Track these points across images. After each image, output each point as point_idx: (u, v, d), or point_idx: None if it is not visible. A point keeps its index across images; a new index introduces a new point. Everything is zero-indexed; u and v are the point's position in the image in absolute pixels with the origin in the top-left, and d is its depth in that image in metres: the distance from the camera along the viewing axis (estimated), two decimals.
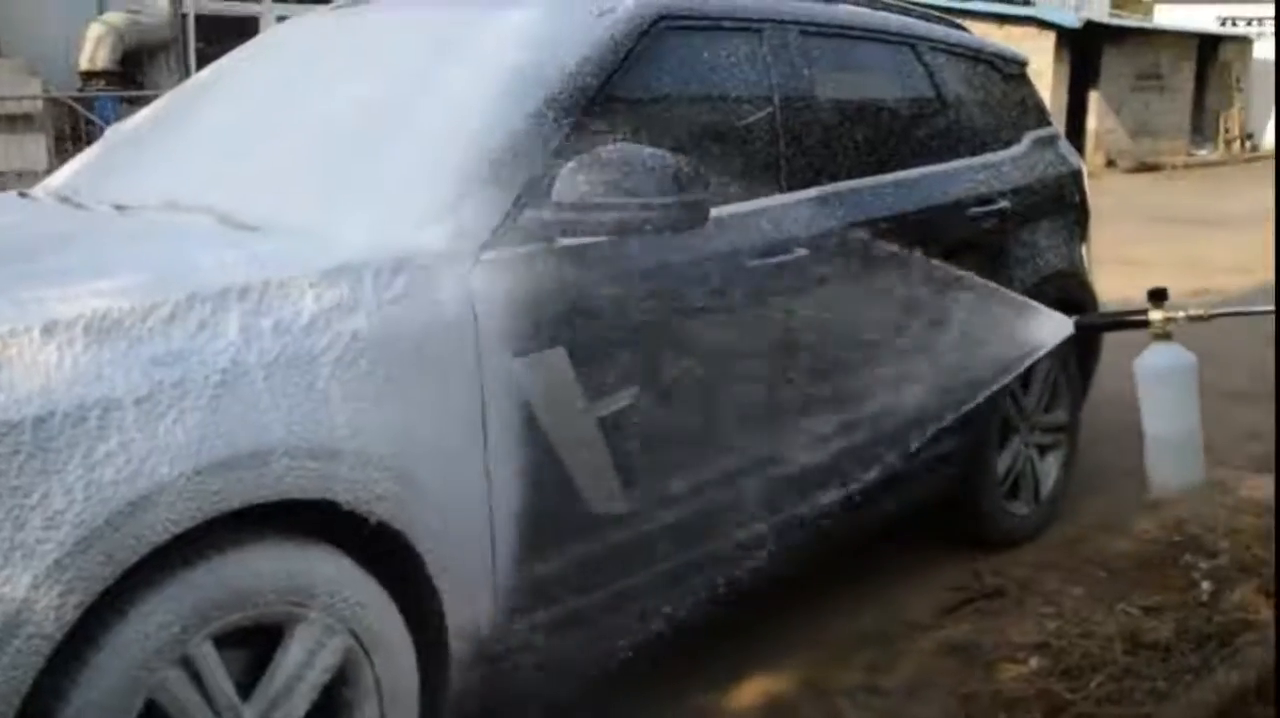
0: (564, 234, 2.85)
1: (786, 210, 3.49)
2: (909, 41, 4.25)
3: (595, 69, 3.12)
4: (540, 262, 2.83)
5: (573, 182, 2.83)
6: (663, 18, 3.33)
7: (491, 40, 3.27)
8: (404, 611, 2.61)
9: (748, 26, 3.60)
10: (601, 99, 3.10)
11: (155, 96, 4.34)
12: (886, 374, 3.82)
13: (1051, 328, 4.14)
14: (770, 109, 3.56)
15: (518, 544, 2.79)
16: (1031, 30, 21.78)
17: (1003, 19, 22.21)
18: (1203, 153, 26.60)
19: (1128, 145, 24.15)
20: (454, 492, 2.64)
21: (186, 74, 13.21)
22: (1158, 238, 13.07)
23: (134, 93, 12.68)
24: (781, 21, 3.70)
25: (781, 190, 3.52)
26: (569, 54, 3.13)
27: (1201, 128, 27.35)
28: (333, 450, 2.40)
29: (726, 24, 3.55)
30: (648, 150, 2.90)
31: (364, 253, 2.60)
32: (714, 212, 3.01)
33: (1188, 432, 4.00)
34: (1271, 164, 25.87)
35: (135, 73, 13.75)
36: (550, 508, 2.85)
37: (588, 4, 3.34)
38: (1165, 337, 3.74)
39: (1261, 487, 5.38)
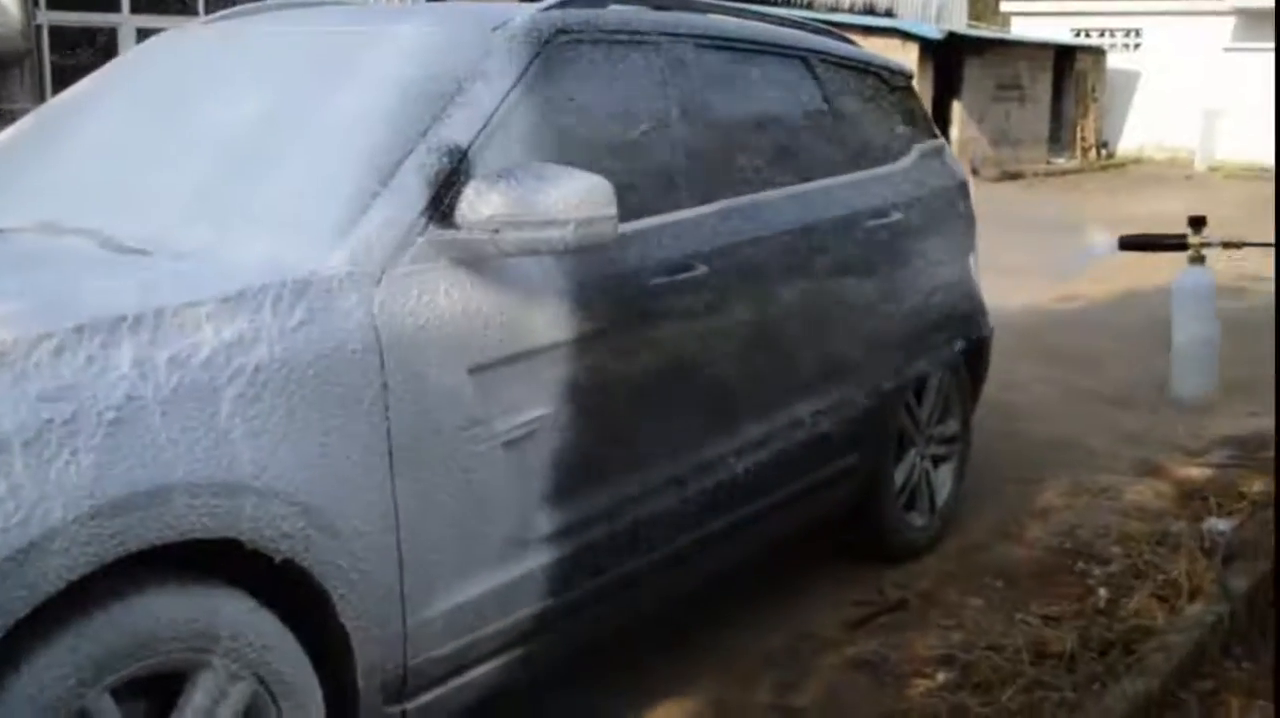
0: (469, 254, 2.76)
1: (687, 226, 3.44)
2: (801, 55, 4.23)
3: (492, 85, 3.04)
4: (445, 282, 2.73)
5: (477, 200, 2.74)
6: (560, 31, 3.25)
7: (385, 55, 3.17)
8: (310, 651, 2.50)
9: (644, 40, 3.54)
10: (499, 115, 3.01)
11: (8, 110, 4.15)
12: (788, 388, 3.80)
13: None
14: (669, 123, 3.51)
15: (428, 577, 2.69)
16: (895, 42, 22.10)
17: (868, 30, 22.52)
18: (1061, 161, 27.26)
19: (990, 154, 24.64)
20: (361, 525, 2.53)
21: (41, 88, 12.78)
22: (1024, 245, 13.30)
23: None
24: (678, 35, 3.65)
25: (682, 206, 3.46)
26: (465, 69, 3.04)
27: (1059, 136, 28.03)
28: (236, 487, 2.29)
29: (623, 37, 3.48)
30: (552, 167, 2.83)
31: (262, 277, 2.48)
32: (621, 227, 2.95)
33: (1210, 341, 4.52)
34: (1123, 172, 26.66)
35: None
36: (460, 537, 2.76)
37: (483, 18, 3.26)
38: (1199, 260, 4.25)
39: (1145, 491, 5.48)
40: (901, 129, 4.74)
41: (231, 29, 3.74)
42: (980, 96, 24.72)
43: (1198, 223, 4.35)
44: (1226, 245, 4.27)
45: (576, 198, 2.74)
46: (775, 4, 23.75)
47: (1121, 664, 3.66)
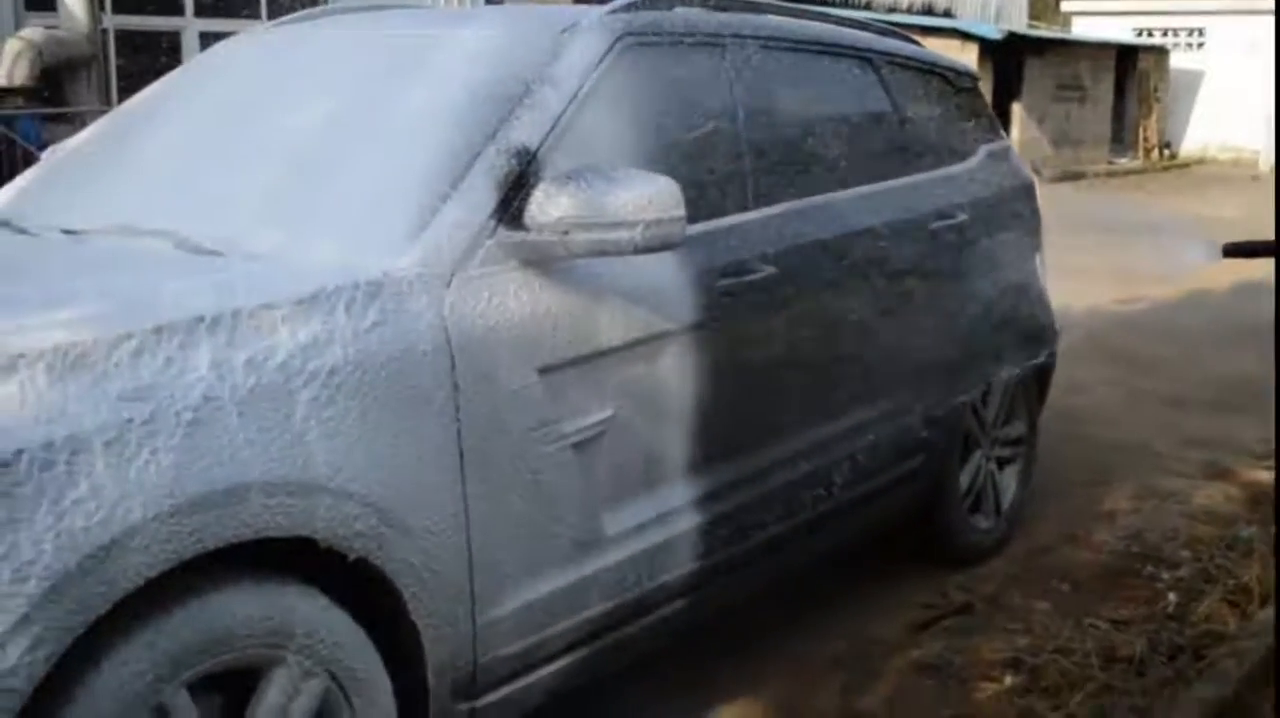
0: (538, 256, 2.78)
1: (754, 227, 3.44)
2: (867, 56, 4.21)
3: (560, 87, 3.05)
4: (514, 284, 2.74)
5: (546, 202, 2.75)
6: (627, 34, 3.26)
7: (453, 58, 3.19)
8: (382, 649, 2.52)
9: (710, 42, 3.54)
10: (568, 117, 3.02)
11: (77, 114, 4.19)
12: (853, 390, 3.78)
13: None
14: (735, 124, 3.50)
15: (497, 576, 2.70)
16: (954, 42, 21.96)
17: (926, 30, 22.38)
18: (1123, 161, 26.98)
19: (1051, 154, 24.42)
20: (432, 525, 2.54)
21: (107, 91, 12.94)
22: (1087, 247, 13.16)
23: (55, 110, 12.39)
24: (743, 36, 3.65)
25: (748, 207, 3.46)
26: (533, 72, 3.05)
27: (1121, 137, 27.75)
28: (310, 486, 2.31)
29: (689, 40, 3.48)
30: (620, 170, 2.84)
31: (335, 279, 2.50)
32: (689, 229, 2.95)
33: None
34: (1187, 173, 26.34)
35: (54, 90, 13.44)
36: (529, 537, 2.77)
37: (550, 20, 3.27)
38: None
39: (1214, 495, 5.42)
40: (967, 130, 4.71)
41: (299, 33, 3.78)
42: (1041, 97, 24.52)
43: None
44: None
45: (645, 199, 2.75)
46: (835, 5, 23.68)
47: (1192, 670, 3.62)
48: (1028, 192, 4.96)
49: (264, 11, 14.78)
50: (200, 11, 14.70)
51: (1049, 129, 24.65)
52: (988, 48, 22.28)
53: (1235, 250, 4.63)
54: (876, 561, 4.45)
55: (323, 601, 2.40)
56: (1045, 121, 24.57)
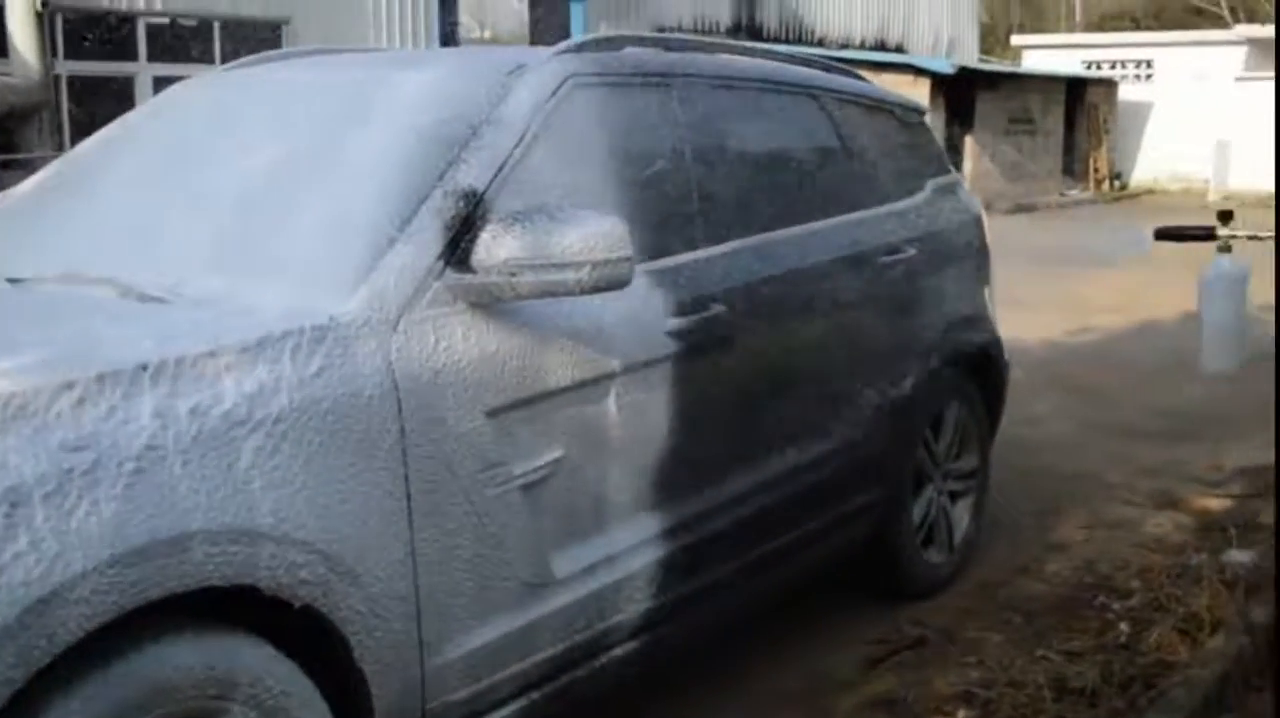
0: (486, 298, 2.78)
1: (703, 266, 3.45)
2: (814, 93, 4.25)
3: (507, 129, 3.06)
4: (462, 326, 2.75)
5: (493, 244, 2.76)
6: (574, 75, 3.28)
7: (401, 101, 3.20)
8: (329, 697, 2.50)
9: (659, 82, 3.57)
10: (515, 159, 3.03)
11: (29, 161, 4.18)
12: (803, 426, 3.80)
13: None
14: (684, 163, 3.52)
15: (446, 621, 2.69)
16: (907, 77, 22.21)
17: (879, 66, 22.63)
18: (1074, 193, 27.28)
19: (1003, 187, 24.67)
20: (379, 571, 2.53)
21: (60, 137, 12.88)
22: (1038, 279, 13.31)
23: (7, 156, 12.31)
24: (692, 75, 3.68)
25: (697, 246, 3.48)
26: (480, 114, 3.06)
27: (1072, 169, 28.08)
28: (254, 534, 2.29)
29: (637, 80, 3.51)
30: (567, 210, 2.85)
31: (280, 325, 2.49)
32: (637, 268, 2.97)
33: (1237, 323, 5.63)
34: (1137, 203, 26.64)
35: (6, 136, 13.36)
36: (478, 581, 2.76)
37: (498, 62, 3.29)
38: (1227, 249, 4.74)
39: (1164, 524, 5.46)
40: (915, 165, 4.75)
41: (250, 77, 3.78)
42: (992, 130, 24.79)
43: (1226, 216, 4.73)
44: (1253, 238, 4.66)
45: (592, 240, 2.76)
46: (788, 43, 23.90)
47: (1144, 699, 3.64)
48: (976, 225, 5.01)
49: (218, 55, 14.76)
50: (154, 56, 14.67)
51: (1001, 162, 24.91)
52: (940, 82, 22.54)
53: (1165, 234, 4.95)
54: (830, 596, 4.46)
55: (268, 649, 2.38)
56: (997, 155, 24.84)
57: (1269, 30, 30.27)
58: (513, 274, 2.73)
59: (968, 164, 23.78)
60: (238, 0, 15.33)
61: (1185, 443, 6.75)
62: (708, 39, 3.99)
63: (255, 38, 14.79)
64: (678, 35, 3.90)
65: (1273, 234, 4.79)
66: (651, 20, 21.92)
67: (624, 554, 3.15)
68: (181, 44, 14.88)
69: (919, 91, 21.90)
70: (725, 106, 3.77)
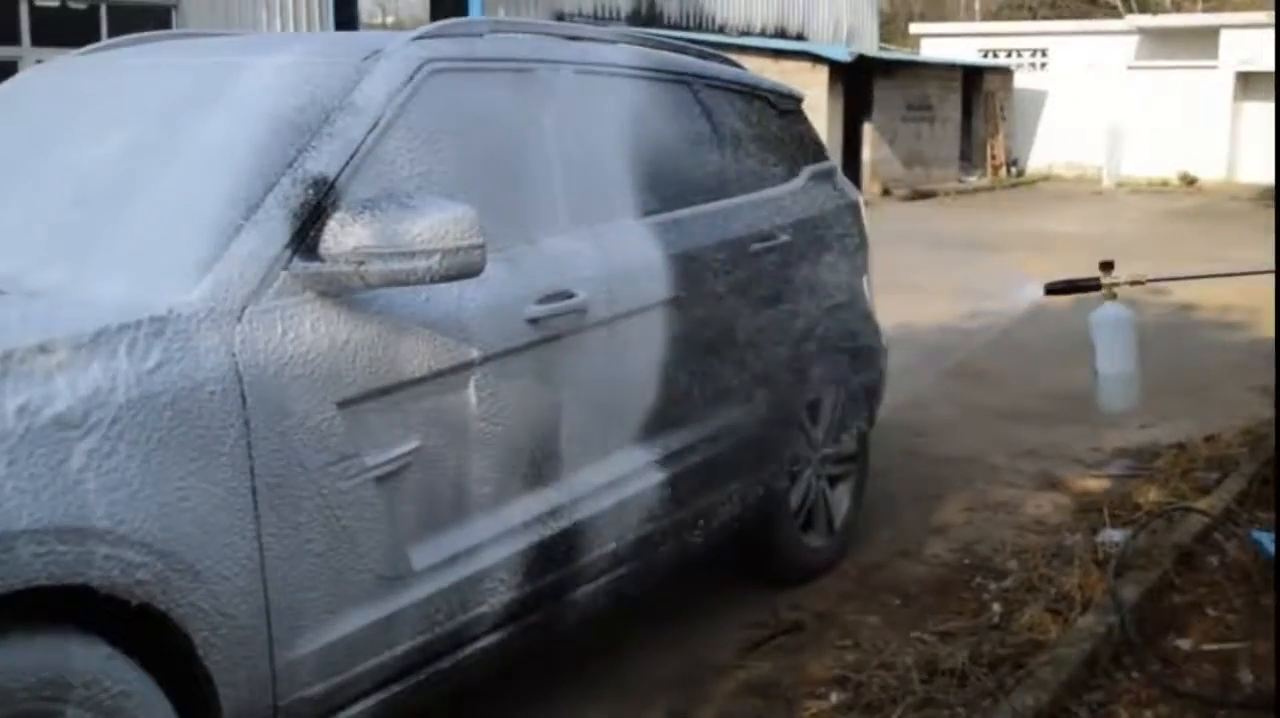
0: (335, 287, 2.73)
1: (566, 252, 3.42)
2: (685, 80, 4.22)
3: (361, 115, 3.00)
4: (311, 316, 2.69)
5: (340, 232, 2.71)
6: (431, 60, 3.23)
7: (255, 87, 3.12)
8: (173, 696, 2.44)
9: (522, 68, 3.52)
10: (369, 145, 2.98)
11: None
12: (673, 414, 3.78)
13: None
14: (547, 150, 3.49)
15: (296, 616, 2.64)
16: (805, 65, 22.34)
17: (778, 53, 22.75)
18: (972, 179, 27.65)
19: (902, 174, 24.94)
20: (223, 568, 2.48)
21: None
22: (933, 264, 13.47)
23: None
24: (555, 62, 3.64)
25: (561, 232, 3.44)
26: (334, 100, 3.00)
27: (970, 155, 28.44)
28: (86, 533, 2.23)
29: (499, 66, 3.47)
30: (418, 198, 2.80)
31: (117, 317, 2.42)
32: (493, 255, 2.93)
33: (1128, 367, 5.56)
34: (1034, 189, 27.08)
35: None
36: (330, 575, 2.71)
37: (354, 48, 3.23)
38: (1111, 297, 5.05)
39: (1044, 505, 5.54)
40: (790, 152, 4.75)
41: (104, 61, 3.68)
42: (891, 118, 25.02)
43: (1108, 266, 4.97)
44: (1133, 283, 5.01)
45: (442, 228, 2.71)
46: (688, 30, 23.92)
47: (1011, 679, 3.68)
48: (853, 212, 5.02)
49: (104, 39, 14.41)
50: (39, 40, 14.31)
51: (900, 149, 25.16)
52: (838, 70, 22.68)
53: (1055, 289, 5.21)
54: (709, 582, 4.47)
55: (104, 649, 2.32)
56: (896, 142, 25.08)
57: (1159, 20, 30.97)
58: (361, 263, 2.68)
59: (866, 151, 24.00)
60: None
61: (1068, 425, 6.86)
62: (576, 25, 3.93)
63: (143, 21, 14.49)
64: (544, 21, 3.85)
65: (1154, 278, 5.27)
66: (551, 6, 21.82)
67: (487, 544, 3.12)
68: (68, 27, 14.51)
69: (817, 79, 22.06)
70: (591, 93, 3.73)
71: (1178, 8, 39.38)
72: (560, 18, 21.76)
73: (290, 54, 3.28)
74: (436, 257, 2.71)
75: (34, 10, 14.34)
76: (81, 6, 14.94)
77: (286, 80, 3.10)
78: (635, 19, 23.48)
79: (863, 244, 5.05)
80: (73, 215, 2.89)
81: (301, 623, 2.65)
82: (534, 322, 3.22)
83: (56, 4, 14.70)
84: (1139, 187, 26.41)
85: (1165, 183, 26.84)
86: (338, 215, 2.74)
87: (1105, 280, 4.97)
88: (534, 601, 3.27)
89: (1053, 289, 5.60)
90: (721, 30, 25.37)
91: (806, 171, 4.78)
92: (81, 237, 2.82)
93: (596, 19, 22.42)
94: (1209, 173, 27.17)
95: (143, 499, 2.33)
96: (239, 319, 2.57)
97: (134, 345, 2.40)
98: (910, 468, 5.99)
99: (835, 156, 22.68)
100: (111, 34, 14.31)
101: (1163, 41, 29.04)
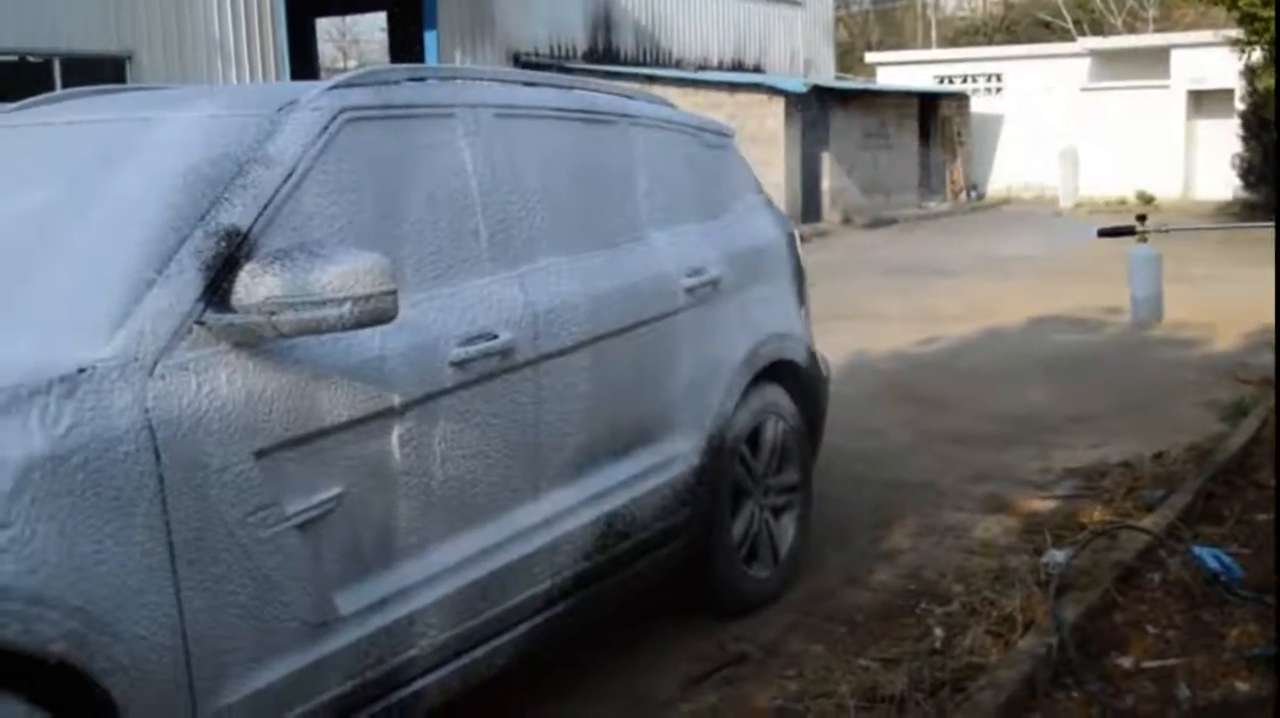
0: (249, 338, 2.74)
1: (489, 294, 3.44)
2: (610, 119, 4.26)
3: (275, 166, 3.02)
4: (226, 368, 2.71)
5: (251, 283, 2.73)
6: (347, 109, 3.25)
7: (169, 140, 3.14)
8: None
9: (441, 113, 3.55)
10: (283, 196, 2.99)
11: None
12: (603, 451, 3.80)
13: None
14: (468, 194, 3.51)
15: (219, 667, 2.64)
16: (762, 97, 22.48)
17: (734, 86, 22.89)
18: (932, 205, 27.81)
19: (862, 202, 25.07)
20: (141, 625, 2.49)
21: None
22: (892, 290, 13.57)
23: None
24: (476, 106, 3.67)
25: (483, 274, 3.47)
26: (248, 152, 3.03)
27: (929, 181, 28.62)
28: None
29: (418, 112, 3.50)
30: (329, 247, 2.83)
31: (29, 377, 2.43)
32: (415, 299, 2.95)
33: (1156, 290, 9.94)
34: (994, 212, 27.26)
35: None
36: (252, 625, 2.72)
37: (269, 99, 3.25)
38: (1144, 240, 9.08)
39: (991, 527, 5.57)
40: (721, 186, 4.80)
41: (19, 120, 3.68)
42: (849, 146, 25.16)
43: (1142, 218, 8.97)
44: (1159, 232, 8.98)
45: (352, 276, 2.74)
46: (645, 65, 24.05)
47: (950, 703, 3.70)
48: (788, 243, 5.07)
49: (59, 89, 14.39)
50: None
51: (858, 177, 25.30)
52: (795, 100, 22.82)
53: (1107, 233, 8.28)
54: (655, 615, 4.47)
55: (21, 707, 2.32)
56: (855, 170, 25.21)
57: (1111, 42, 31.27)
58: (273, 313, 2.70)
59: (826, 180, 24.12)
60: (87, 35, 15.09)
61: (1017, 447, 6.91)
62: (497, 69, 3.96)
63: (99, 73, 14.50)
64: (466, 66, 3.90)
65: (1176, 227, 7.45)
66: (507, 46, 21.92)
67: (417, 587, 3.13)
68: (23, 79, 14.49)
69: (774, 110, 22.21)
70: (514, 136, 3.75)
71: (1129, 29, 39.81)
72: (516, 57, 21.88)
73: (206, 107, 3.30)
74: (347, 304, 2.73)
75: None
76: (39, 60, 14.95)
77: (201, 134, 3.12)
78: (592, 56, 23.61)
79: (799, 274, 5.10)
80: None
81: (226, 673, 2.66)
82: (458, 364, 3.24)
83: (15, 59, 14.71)
84: (1097, 206, 26.60)
85: (1123, 201, 27.06)
86: (249, 266, 2.76)
87: (1139, 228, 8.86)
88: (468, 641, 3.28)
89: (1104, 233, 9.41)
90: (679, 65, 25.53)
91: (739, 205, 4.83)
92: None
93: (553, 57, 22.53)
94: (1165, 191, 27.41)
95: (58, 559, 2.34)
96: (151, 374, 2.59)
97: (45, 409, 2.41)
98: (861, 495, 6.02)
99: (795, 187, 22.73)
100: (65, 86, 14.41)
101: (1115, 63, 29.34)
